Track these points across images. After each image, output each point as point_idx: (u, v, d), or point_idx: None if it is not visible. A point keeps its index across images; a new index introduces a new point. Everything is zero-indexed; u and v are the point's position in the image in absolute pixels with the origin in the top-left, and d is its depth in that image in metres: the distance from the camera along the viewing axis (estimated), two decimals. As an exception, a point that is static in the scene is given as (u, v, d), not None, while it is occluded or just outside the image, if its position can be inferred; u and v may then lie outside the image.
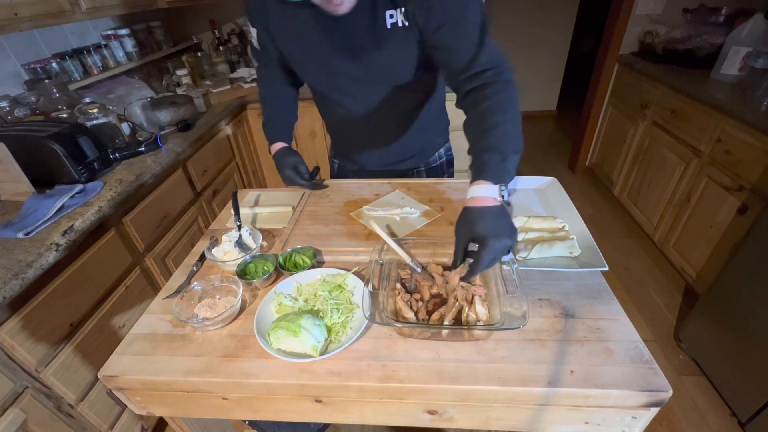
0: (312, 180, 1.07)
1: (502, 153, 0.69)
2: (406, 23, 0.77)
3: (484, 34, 0.75)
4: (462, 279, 0.69)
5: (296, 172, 1.03)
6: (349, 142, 1.13)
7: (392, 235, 0.89)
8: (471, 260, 0.65)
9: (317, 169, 1.10)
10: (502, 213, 0.66)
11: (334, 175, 1.27)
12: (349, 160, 1.19)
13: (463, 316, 0.67)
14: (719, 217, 1.68)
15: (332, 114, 1.08)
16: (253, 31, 0.93)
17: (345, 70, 0.88)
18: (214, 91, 2.18)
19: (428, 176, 1.17)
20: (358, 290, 0.74)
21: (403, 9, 0.76)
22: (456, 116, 0.94)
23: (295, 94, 1.13)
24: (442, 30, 0.75)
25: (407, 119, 1.03)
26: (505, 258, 0.72)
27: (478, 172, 0.69)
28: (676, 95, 1.99)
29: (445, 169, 1.21)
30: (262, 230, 0.93)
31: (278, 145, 1.06)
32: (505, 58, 0.78)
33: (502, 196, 0.68)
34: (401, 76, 0.88)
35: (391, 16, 0.77)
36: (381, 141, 1.07)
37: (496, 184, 0.68)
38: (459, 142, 2.29)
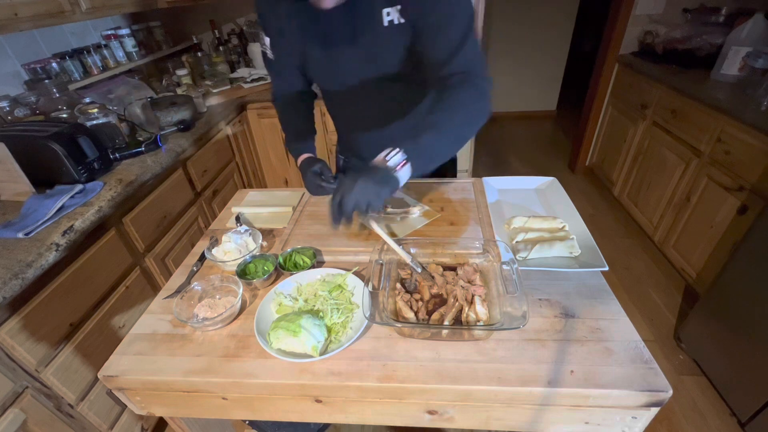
0: (335, 182, 0.99)
1: (420, 131, 0.73)
2: (402, 20, 0.78)
3: (465, 42, 0.76)
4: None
5: (319, 177, 0.98)
6: (356, 138, 1.12)
7: (392, 235, 0.89)
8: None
9: (340, 175, 1.07)
10: (371, 167, 0.71)
11: (339, 170, 1.27)
12: (356, 157, 1.18)
13: (463, 316, 0.67)
14: (719, 217, 1.68)
15: (339, 111, 1.08)
16: (267, 40, 0.92)
17: (348, 67, 0.89)
18: (214, 91, 2.17)
19: (432, 175, 1.17)
20: (358, 290, 0.74)
21: (399, 7, 0.77)
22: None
23: (310, 107, 1.11)
24: (426, 31, 0.77)
25: (409, 116, 1.02)
26: (505, 258, 0.73)
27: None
28: (676, 95, 1.99)
29: (448, 168, 1.21)
30: (262, 230, 0.93)
31: (303, 156, 1.02)
32: (481, 66, 0.79)
33: (386, 160, 0.70)
34: (402, 73, 0.89)
35: (388, 14, 0.78)
36: (387, 137, 1.06)
37: (392, 147, 0.71)
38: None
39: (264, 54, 0.96)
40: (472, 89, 0.77)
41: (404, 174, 0.70)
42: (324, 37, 0.86)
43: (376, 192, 0.68)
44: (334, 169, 1.25)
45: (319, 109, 2.02)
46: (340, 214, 0.69)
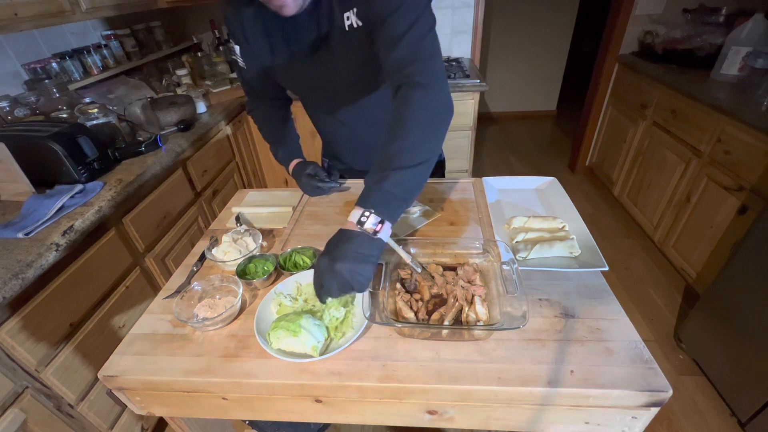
0: (330, 180, 1.03)
1: (382, 173, 0.64)
2: (360, 23, 0.76)
3: (408, 32, 0.68)
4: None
5: (314, 178, 1.01)
6: (334, 142, 1.13)
7: (392, 235, 0.88)
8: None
9: (335, 172, 1.09)
10: (347, 237, 0.61)
11: (326, 172, 1.27)
12: (337, 160, 1.19)
13: (463, 316, 0.67)
14: (719, 217, 1.68)
15: (315, 116, 1.08)
16: (236, 49, 0.92)
17: (314, 74, 0.89)
18: (214, 91, 2.17)
19: None
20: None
21: (355, 9, 0.75)
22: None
23: (288, 112, 1.13)
24: (376, 26, 0.72)
25: (385, 119, 1.01)
26: (505, 258, 0.73)
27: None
28: (676, 95, 1.99)
29: (436, 169, 1.20)
30: (262, 230, 0.93)
31: (294, 162, 1.06)
32: (424, 57, 0.69)
33: (361, 222, 0.61)
34: (367, 77, 0.88)
35: (348, 18, 0.77)
36: (363, 141, 1.06)
37: (363, 207, 0.62)
38: (453, 143, 2.28)
39: (235, 62, 0.95)
40: (418, 92, 0.67)
41: (385, 233, 0.63)
42: (290, 45, 0.85)
43: (359, 274, 0.60)
44: None
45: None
46: (325, 295, 0.63)
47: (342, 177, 1.15)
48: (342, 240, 0.62)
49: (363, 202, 0.63)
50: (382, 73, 0.74)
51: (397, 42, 0.68)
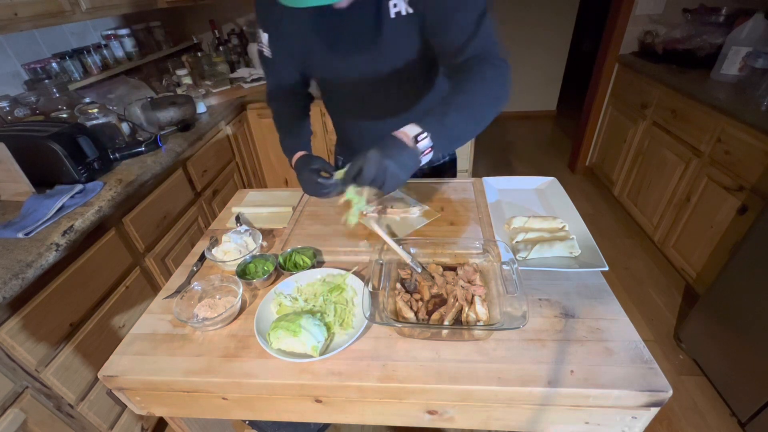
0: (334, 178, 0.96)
1: (447, 108, 0.69)
2: (410, 10, 0.76)
3: (481, 24, 0.72)
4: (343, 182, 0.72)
5: (317, 173, 0.91)
6: (355, 137, 1.11)
7: (392, 235, 0.89)
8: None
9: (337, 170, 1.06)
10: (402, 145, 0.66)
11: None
12: (354, 157, 1.17)
13: (463, 316, 0.67)
14: (719, 217, 1.68)
15: (340, 108, 1.07)
16: (264, 37, 0.91)
17: (352, 61, 0.88)
18: (214, 91, 2.18)
19: (432, 175, 1.17)
20: (358, 290, 0.74)
21: None
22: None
23: (307, 107, 1.10)
24: (438, 18, 0.74)
25: (412, 114, 1.01)
26: (505, 258, 0.73)
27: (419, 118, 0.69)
28: (676, 95, 1.99)
29: (448, 168, 1.20)
30: (262, 230, 0.93)
31: (298, 155, 0.99)
32: (499, 48, 0.75)
33: (416, 139, 0.66)
34: (406, 68, 0.88)
35: (395, 5, 0.77)
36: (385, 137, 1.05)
37: (422, 128, 0.67)
38: (459, 142, 2.28)
39: (260, 52, 0.94)
40: (492, 69, 0.72)
41: (426, 159, 0.68)
42: (328, 33, 0.85)
43: (397, 177, 0.66)
44: None
45: (319, 109, 2.02)
46: (353, 181, 0.68)
47: None
48: (397, 145, 0.66)
49: (424, 123, 0.67)
50: (441, 57, 0.79)
51: (475, 31, 0.72)
